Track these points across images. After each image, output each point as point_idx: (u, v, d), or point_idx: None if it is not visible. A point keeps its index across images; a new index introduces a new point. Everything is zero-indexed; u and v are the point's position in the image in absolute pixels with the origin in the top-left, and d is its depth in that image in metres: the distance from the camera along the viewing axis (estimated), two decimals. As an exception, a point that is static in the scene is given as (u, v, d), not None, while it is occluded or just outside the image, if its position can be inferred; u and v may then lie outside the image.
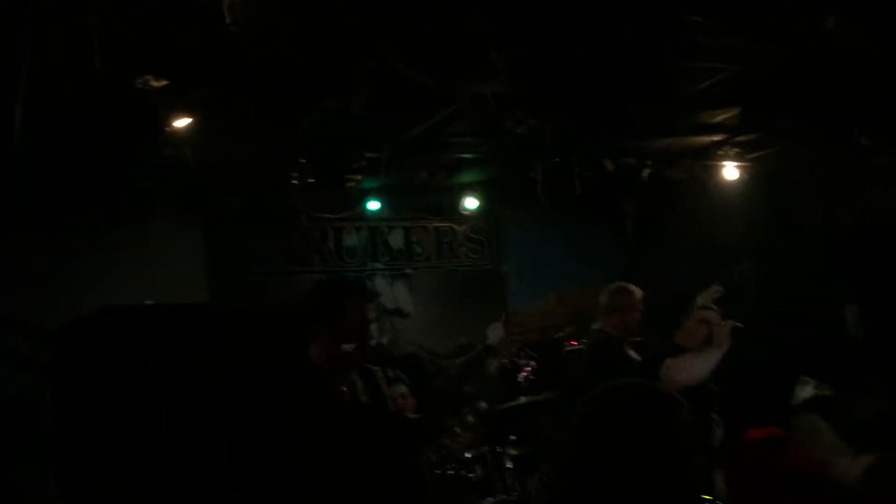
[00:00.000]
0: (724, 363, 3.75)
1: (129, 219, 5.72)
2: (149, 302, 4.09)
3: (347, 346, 3.24)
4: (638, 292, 4.73)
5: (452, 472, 5.19)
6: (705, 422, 4.14)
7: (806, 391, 5.10)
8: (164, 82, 4.10)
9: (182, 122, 4.49)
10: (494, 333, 6.01)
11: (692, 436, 1.65)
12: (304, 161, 5.39)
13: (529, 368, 5.98)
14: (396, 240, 7.09)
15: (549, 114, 5.03)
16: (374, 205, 6.71)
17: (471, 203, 6.94)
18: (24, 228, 5.52)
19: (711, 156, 6.66)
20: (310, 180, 5.60)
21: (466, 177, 6.70)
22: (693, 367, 3.75)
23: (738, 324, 3.75)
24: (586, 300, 7.46)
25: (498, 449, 5.46)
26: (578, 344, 6.69)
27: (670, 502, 1.58)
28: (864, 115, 5.62)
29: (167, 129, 4.53)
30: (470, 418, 4.05)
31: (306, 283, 6.18)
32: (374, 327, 4.17)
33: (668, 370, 3.73)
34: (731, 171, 6.79)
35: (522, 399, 5.84)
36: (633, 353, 4.61)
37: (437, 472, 5.03)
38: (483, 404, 4.74)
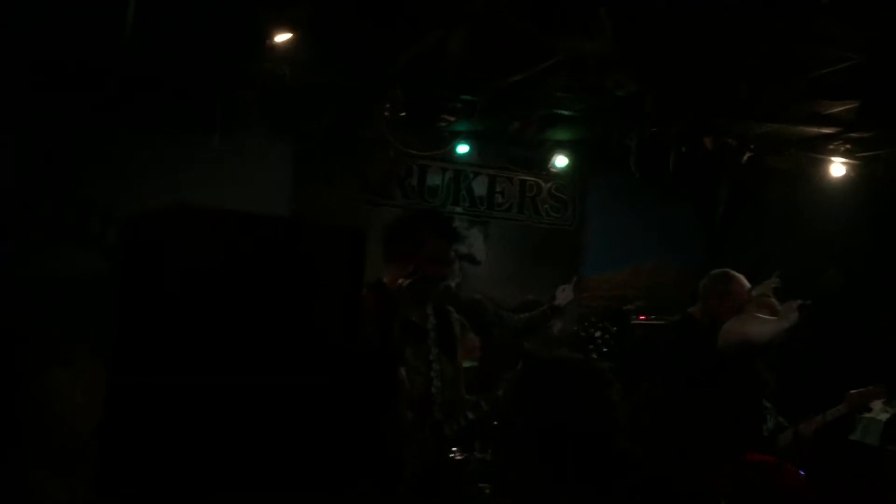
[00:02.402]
0: (788, 347, 3.65)
1: (222, 127, 5.80)
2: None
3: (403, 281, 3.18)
4: (741, 282, 4.22)
5: (495, 422, 5.19)
6: (757, 409, 4.02)
7: (875, 405, 4.90)
8: (269, -5, 4.11)
9: (282, 38, 4.50)
10: (563, 294, 5.92)
11: (615, 415, 1.67)
12: (399, 93, 5.35)
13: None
14: (480, 186, 7.04)
15: (653, 81, 4.86)
16: (462, 148, 6.66)
17: (560, 161, 6.82)
18: (125, 123, 5.66)
19: (820, 149, 6.37)
20: (402, 114, 5.56)
21: (559, 134, 6.57)
22: (747, 327, 3.68)
23: (805, 301, 3.62)
24: (662, 277, 7.34)
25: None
26: (647, 319, 6.58)
27: (586, 473, 1.60)
28: None
29: (267, 43, 4.55)
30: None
31: (385, 213, 6.25)
32: (455, 269, 4.05)
33: (724, 329, 3.75)
34: (838, 167, 6.48)
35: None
36: None
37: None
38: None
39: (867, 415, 4.98)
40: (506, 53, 4.68)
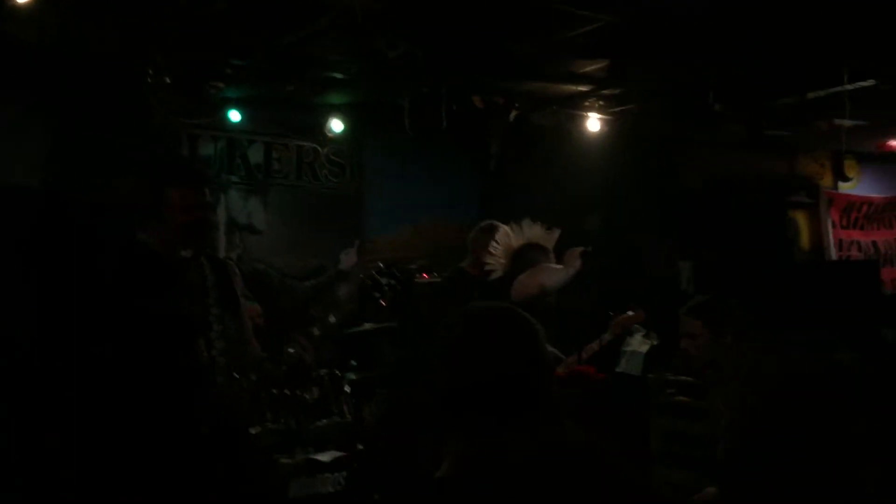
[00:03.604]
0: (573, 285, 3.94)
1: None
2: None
3: (185, 252, 3.05)
4: (506, 231, 4.49)
5: (288, 392, 5.16)
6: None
7: (635, 339, 5.38)
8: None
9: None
10: (347, 259, 5.95)
11: (549, 361, 1.72)
12: (161, 57, 5.08)
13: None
14: (256, 154, 6.88)
15: (423, 41, 4.95)
16: (235, 115, 6.45)
17: (336, 125, 6.79)
18: None
19: (578, 105, 6.80)
20: (166, 80, 5.29)
21: (334, 98, 6.55)
22: (542, 277, 3.94)
23: (586, 248, 3.94)
24: (442, 234, 7.56)
25: (337, 372, 5.48)
26: (430, 277, 6.77)
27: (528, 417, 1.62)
28: (721, 80, 5.85)
29: (7, 5, 4.16)
30: (316, 331, 3.98)
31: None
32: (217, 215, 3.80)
33: (517, 282, 3.96)
34: (594, 122, 6.96)
35: (367, 325, 5.86)
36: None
37: (272, 391, 4.98)
38: (332, 318, 4.65)
39: (629, 348, 5.45)
40: (276, 13, 4.58)
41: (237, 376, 3.08)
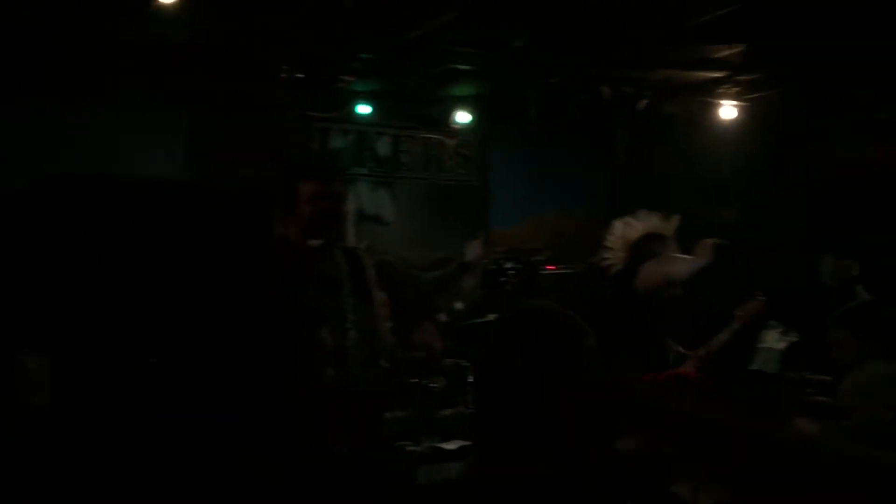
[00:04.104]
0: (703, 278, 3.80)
1: (115, 95, 5.58)
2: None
3: (314, 242, 3.12)
4: (622, 223, 4.28)
5: (416, 380, 5.23)
6: (661, 344, 4.16)
7: (771, 335, 5.15)
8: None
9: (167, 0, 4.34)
10: (472, 251, 5.95)
11: (594, 366, 1.64)
12: (294, 54, 5.24)
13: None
14: (384, 147, 7.00)
15: (548, 32, 4.90)
16: (364, 108, 6.59)
17: (462, 116, 6.83)
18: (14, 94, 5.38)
19: (711, 92, 6.57)
20: (298, 75, 5.46)
21: (460, 89, 6.57)
22: (667, 267, 3.81)
23: (719, 241, 3.78)
24: (566, 226, 7.48)
25: (462, 363, 5.51)
26: (556, 269, 6.71)
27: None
28: (868, 68, 5.52)
29: (153, 6, 4.38)
30: (443, 317, 3.99)
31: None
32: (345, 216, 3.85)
33: (641, 271, 3.80)
34: (728, 110, 6.71)
35: (491, 316, 5.87)
36: None
37: (401, 379, 5.06)
38: (459, 305, 4.63)
39: (764, 345, 5.23)
40: (401, 8, 4.64)
41: (370, 365, 3.13)
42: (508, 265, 4.40)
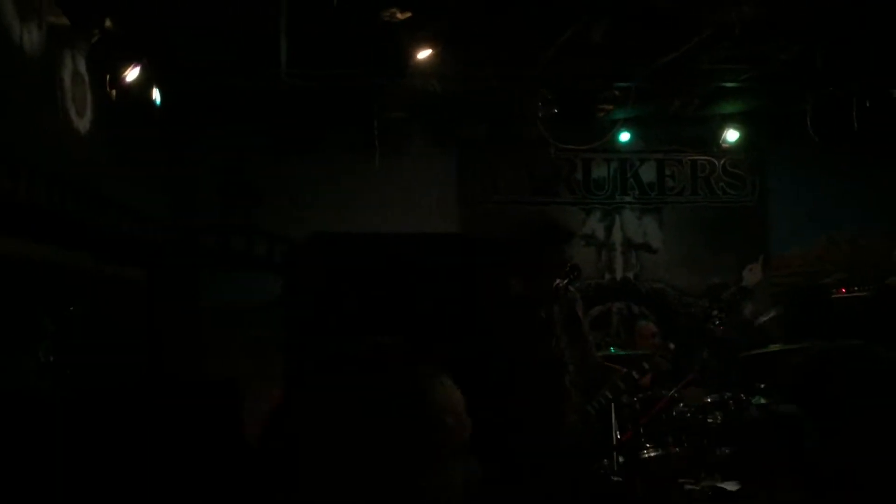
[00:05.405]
0: None
1: (384, 147, 5.99)
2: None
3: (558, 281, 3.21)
4: None
5: (689, 415, 5.00)
6: None
7: None
8: (408, 14, 4.20)
9: (425, 53, 4.58)
10: (751, 275, 5.61)
11: None
12: (545, 91, 5.30)
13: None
14: (648, 172, 6.83)
15: (817, 37, 4.51)
16: (624, 136, 6.49)
17: (731, 135, 6.49)
18: (288, 152, 5.98)
19: None
20: (554, 111, 5.51)
21: (726, 107, 6.25)
22: None
23: None
24: (862, 246, 6.79)
25: (743, 396, 5.18)
26: (850, 292, 6.14)
27: None
28: None
29: (413, 60, 4.65)
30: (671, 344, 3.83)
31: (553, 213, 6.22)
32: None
33: None
34: None
35: (774, 347, 5.48)
36: None
37: (675, 413, 4.87)
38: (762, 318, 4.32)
39: None
40: (649, 35, 4.51)
41: (589, 409, 3.23)
42: (714, 312, 4.13)
